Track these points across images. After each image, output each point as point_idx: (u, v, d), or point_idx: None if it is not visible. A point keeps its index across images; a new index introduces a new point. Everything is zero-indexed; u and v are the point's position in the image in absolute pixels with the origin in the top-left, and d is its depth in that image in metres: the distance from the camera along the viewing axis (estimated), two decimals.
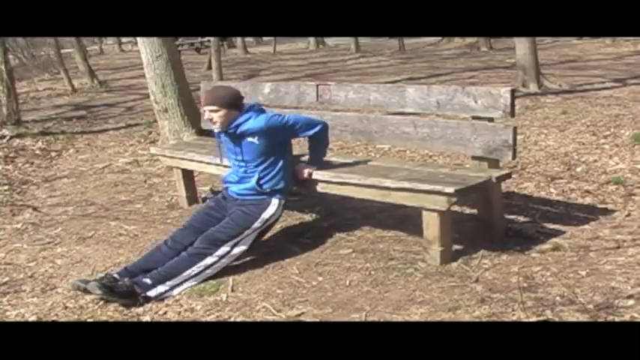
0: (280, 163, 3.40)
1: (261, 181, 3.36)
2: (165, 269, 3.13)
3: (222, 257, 3.21)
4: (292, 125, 3.38)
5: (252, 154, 3.36)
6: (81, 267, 3.61)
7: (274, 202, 3.37)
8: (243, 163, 3.42)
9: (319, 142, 3.49)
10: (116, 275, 3.13)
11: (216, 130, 3.45)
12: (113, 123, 8.35)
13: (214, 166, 3.98)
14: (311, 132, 3.44)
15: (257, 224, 3.31)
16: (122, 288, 3.04)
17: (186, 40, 20.60)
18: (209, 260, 3.18)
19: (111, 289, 3.02)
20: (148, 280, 3.09)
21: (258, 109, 3.43)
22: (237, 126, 3.34)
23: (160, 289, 3.09)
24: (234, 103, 3.36)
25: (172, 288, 3.11)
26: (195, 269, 3.15)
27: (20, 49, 12.90)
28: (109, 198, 4.92)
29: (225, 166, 3.68)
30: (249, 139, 3.34)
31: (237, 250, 3.26)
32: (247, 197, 3.38)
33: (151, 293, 3.08)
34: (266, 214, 3.34)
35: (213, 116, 3.34)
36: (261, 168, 3.37)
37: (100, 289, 3.00)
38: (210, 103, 3.34)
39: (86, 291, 3.07)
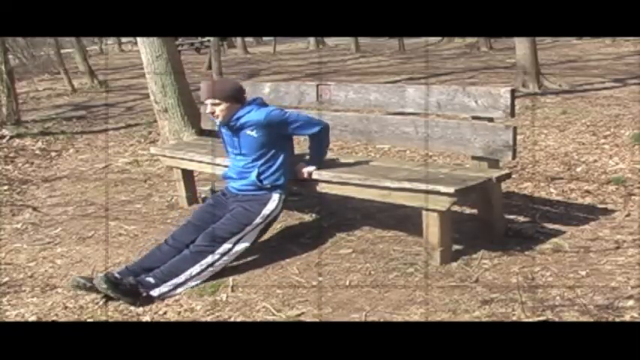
0: (280, 158, 3.39)
1: (262, 176, 3.35)
2: (167, 268, 3.12)
3: (224, 255, 3.20)
4: (292, 122, 3.38)
5: (251, 147, 3.36)
6: (81, 267, 3.61)
7: (274, 198, 3.36)
8: (241, 157, 3.41)
9: (319, 142, 3.49)
10: (117, 275, 3.11)
11: (217, 123, 3.45)
12: (113, 123, 8.35)
13: (214, 166, 3.97)
14: (310, 131, 3.44)
15: (258, 220, 3.30)
16: (126, 286, 3.03)
17: (186, 40, 20.57)
18: (210, 258, 3.17)
19: (116, 285, 3.01)
20: (151, 280, 3.08)
21: (260, 103, 3.44)
22: (238, 119, 3.34)
23: (163, 288, 3.09)
24: (236, 96, 3.37)
25: (175, 287, 3.11)
26: (197, 267, 3.14)
27: (20, 49, 12.85)
28: (109, 198, 4.91)
29: (226, 166, 3.68)
30: (248, 131, 3.33)
31: (238, 248, 3.25)
32: (247, 193, 3.37)
33: (154, 293, 3.07)
34: (267, 210, 3.33)
35: (215, 109, 3.34)
36: (260, 162, 3.36)
37: (106, 284, 2.99)
38: (212, 96, 3.34)
39: (86, 287, 3.07)
